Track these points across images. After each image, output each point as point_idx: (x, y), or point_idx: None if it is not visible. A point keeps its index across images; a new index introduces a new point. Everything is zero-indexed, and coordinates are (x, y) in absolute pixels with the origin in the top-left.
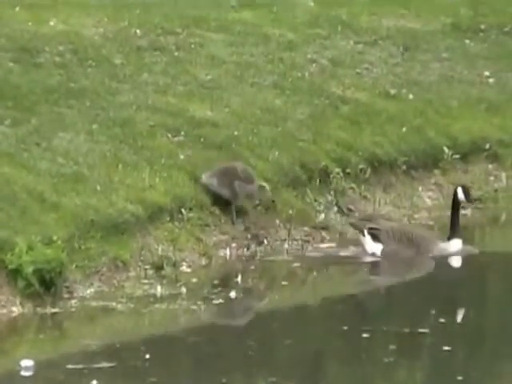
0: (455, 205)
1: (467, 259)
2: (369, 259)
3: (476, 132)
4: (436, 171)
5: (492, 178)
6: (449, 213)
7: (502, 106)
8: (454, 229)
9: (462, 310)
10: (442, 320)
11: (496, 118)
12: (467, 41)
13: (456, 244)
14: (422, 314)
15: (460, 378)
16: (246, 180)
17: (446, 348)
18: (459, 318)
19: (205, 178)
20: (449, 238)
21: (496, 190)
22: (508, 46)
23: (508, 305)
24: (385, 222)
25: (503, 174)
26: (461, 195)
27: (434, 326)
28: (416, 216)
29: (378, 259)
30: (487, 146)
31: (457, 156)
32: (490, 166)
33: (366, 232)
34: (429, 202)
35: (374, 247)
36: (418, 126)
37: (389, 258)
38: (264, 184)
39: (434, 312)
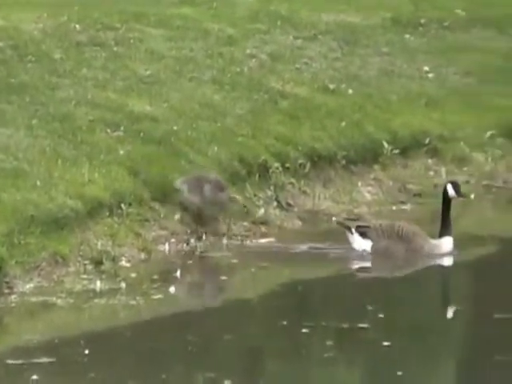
0: (446, 201)
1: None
2: (357, 256)
3: (416, 127)
4: (375, 166)
5: (432, 173)
6: (389, 208)
7: (441, 101)
8: (445, 226)
9: (403, 306)
10: (381, 315)
11: (436, 113)
12: (407, 35)
13: (447, 242)
14: (362, 309)
15: (400, 373)
16: (218, 188)
17: (386, 343)
18: (399, 314)
19: (178, 183)
20: (440, 236)
21: (436, 185)
22: (448, 40)
23: (450, 302)
24: (372, 219)
25: (443, 169)
26: (451, 191)
27: (374, 322)
28: (355, 211)
29: (367, 256)
30: (427, 141)
31: (396, 151)
32: (430, 161)
33: (353, 230)
34: (368, 196)
35: (363, 244)
36: (357, 121)
37: (379, 255)
38: (236, 196)
39: (373, 308)
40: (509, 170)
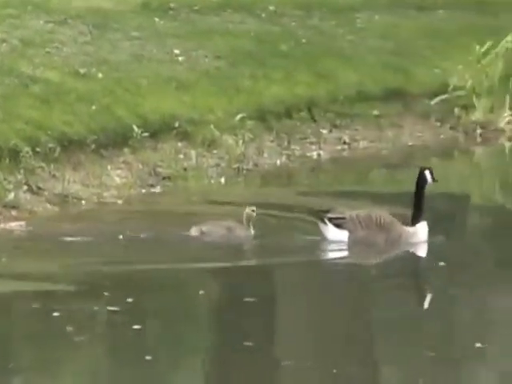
0: (421, 187)
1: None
2: (331, 247)
3: (166, 110)
4: (125, 150)
5: (181, 156)
6: (138, 191)
7: (192, 85)
8: (419, 212)
9: (158, 290)
10: (130, 300)
11: (186, 96)
12: (157, 19)
13: (423, 228)
14: (114, 293)
15: (149, 357)
16: None
17: (136, 326)
18: (149, 297)
19: None
20: (414, 223)
21: (185, 169)
22: (198, 24)
23: (203, 287)
24: (347, 209)
25: (193, 152)
26: (429, 177)
27: (124, 305)
28: (105, 194)
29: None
30: (177, 124)
31: (146, 134)
32: (180, 144)
33: (327, 221)
34: (118, 180)
35: (338, 235)
36: (107, 105)
37: (357, 245)
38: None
39: (125, 291)
40: (259, 153)
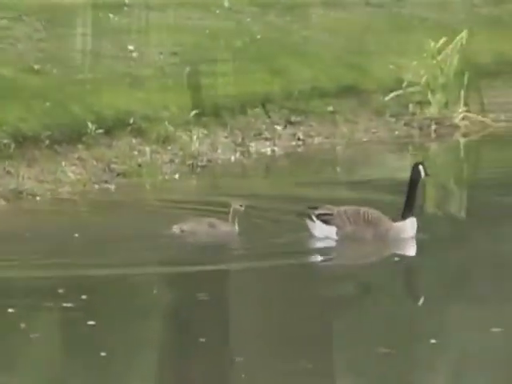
0: (414, 182)
1: None
2: (320, 244)
3: (120, 106)
4: (80, 146)
5: (136, 153)
6: (93, 187)
7: (146, 81)
8: (410, 207)
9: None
10: (85, 297)
11: (140, 93)
12: (111, 15)
13: (412, 223)
14: (69, 290)
15: (103, 353)
16: None
17: (91, 323)
18: (104, 295)
19: None
20: (404, 217)
21: (140, 165)
22: (152, 20)
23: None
24: (333, 206)
25: (147, 149)
26: (422, 172)
27: (78, 301)
28: (60, 191)
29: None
30: (131, 121)
31: (101, 131)
32: (134, 141)
33: (314, 217)
34: (72, 176)
35: (326, 231)
36: (61, 101)
37: (345, 240)
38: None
39: (79, 288)
40: (213, 149)
